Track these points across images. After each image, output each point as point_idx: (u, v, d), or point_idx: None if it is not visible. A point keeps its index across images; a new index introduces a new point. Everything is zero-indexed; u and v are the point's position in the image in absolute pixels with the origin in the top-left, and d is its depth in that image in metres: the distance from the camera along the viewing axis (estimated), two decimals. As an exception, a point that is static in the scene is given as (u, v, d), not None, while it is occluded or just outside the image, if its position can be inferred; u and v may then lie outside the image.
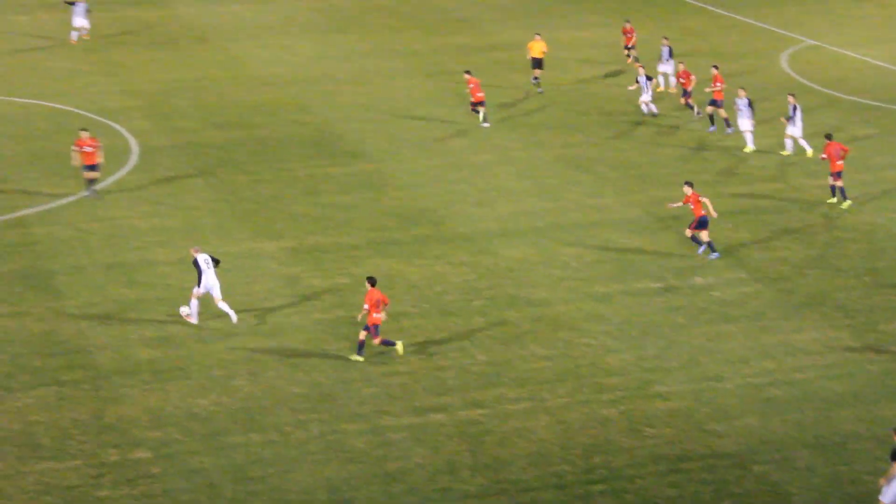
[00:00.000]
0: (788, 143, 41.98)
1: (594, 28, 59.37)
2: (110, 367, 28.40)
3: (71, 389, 27.47)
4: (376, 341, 28.86)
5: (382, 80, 50.70)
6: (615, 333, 30.29)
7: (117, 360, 28.70)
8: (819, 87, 49.85)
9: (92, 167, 37.44)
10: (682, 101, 45.97)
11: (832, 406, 27.22)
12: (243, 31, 58.42)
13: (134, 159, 41.46)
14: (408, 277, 33.10)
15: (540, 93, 48.86)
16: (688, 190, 34.37)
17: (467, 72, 46.10)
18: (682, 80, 45.91)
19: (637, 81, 45.62)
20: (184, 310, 30.37)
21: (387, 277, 32.96)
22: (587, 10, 63.25)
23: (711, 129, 44.53)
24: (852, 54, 54.86)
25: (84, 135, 37.66)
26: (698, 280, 33.09)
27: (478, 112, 45.13)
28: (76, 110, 46.17)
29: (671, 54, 48.97)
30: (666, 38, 49.69)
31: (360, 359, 28.78)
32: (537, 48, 49.26)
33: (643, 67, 46.09)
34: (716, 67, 45.33)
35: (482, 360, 29.02)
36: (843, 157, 37.80)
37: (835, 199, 38.06)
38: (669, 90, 48.44)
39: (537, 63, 49.21)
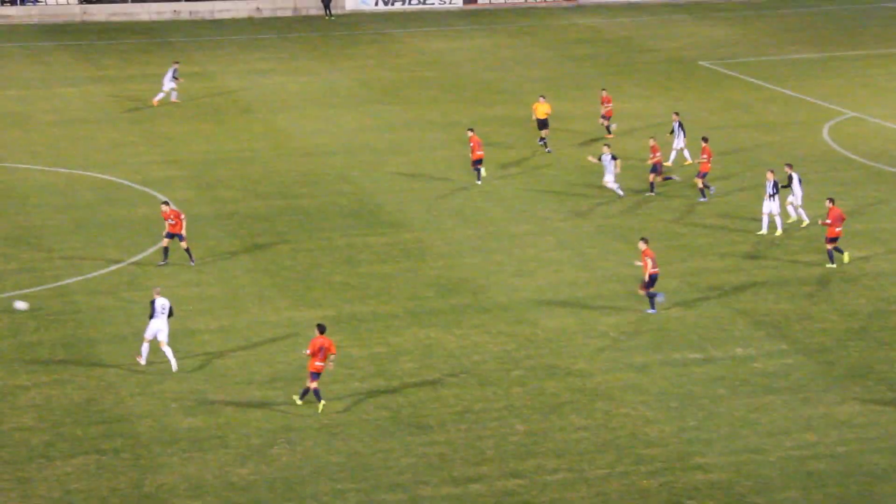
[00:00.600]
0: (790, 210, 41.68)
1: (636, 100, 59.60)
2: (150, 436, 28.50)
3: (111, 458, 27.57)
4: (312, 385, 29.37)
5: (423, 151, 51.04)
6: (654, 404, 30.13)
7: (157, 429, 28.80)
8: (861, 159, 49.74)
9: (175, 236, 37.85)
10: (697, 180, 44.90)
11: (876, 480, 26.90)
12: (287, 103, 59.03)
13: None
14: (446, 346, 33.11)
15: (548, 152, 49.91)
16: (642, 246, 35.01)
17: (470, 129, 47.10)
18: (703, 158, 44.69)
19: (600, 159, 44.47)
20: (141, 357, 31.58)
21: (425, 346, 32.99)
22: (629, 82, 63.55)
23: (702, 199, 44.30)
24: (894, 126, 54.74)
25: (165, 208, 38.07)
26: (739, 351, 32.93)
27: (478, 170, 46.19)
28: (121, 180, 46.71)
29: (682, 128, 48.28)
30: (677, 114, 49.48)
31: (300, 402, 29.62)
32: (541, 110, 50.64)
33: (608, 146, 45.13)
34: (705, 140, 44.97)
35: (521, 429, 28.92)
36: (841, 224, 37.88)
37: (834, 265, 37.98)
38: (693, 161, 47.71)
39: (542, 124, 50.58)
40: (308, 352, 29.34)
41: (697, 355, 32.71)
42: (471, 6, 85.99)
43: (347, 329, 34.14)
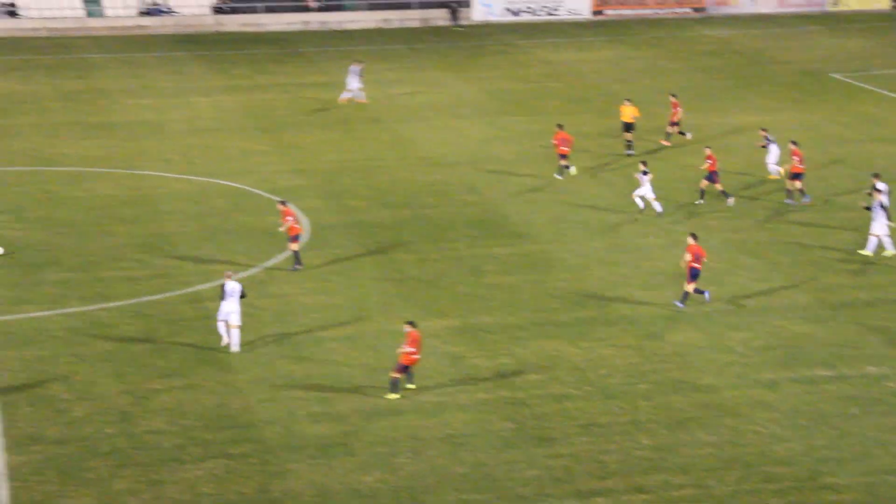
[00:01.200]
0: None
1: (764, 112, 58.80)
2: (277, 442, 28.84)
3: (239, 463, 27.96)
4: (396, 375, 30.55)
5: (549, 162, 50.93)
6: (783, 422, 29.65)
7: (284, 435, 29.14)
8: None
9: (296, 237, 38.93)
10: (795, 184, 44.73)
11: None
12: (414, 113, 59.39)
13: (305, 237, 42.32)
14: (571, 359, 32.98)
15: (630, 154, 50.53)
16: (690, 240, 36.15)
17: (559, 125, 48.94)
18: (795, 160, 44.53)
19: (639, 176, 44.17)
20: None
21: (550, 358, 32.90)
22: (757, 94, 62.73)
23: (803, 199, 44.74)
24: None
25: (281, 207, 39.33)
26: (871, 369, 32.27)
27: (562, 167, 48.24)
28: (251, 189, 47.41)
29: (773, 142, 47.81)
30: (764, 130, 48.80)
31: (397, 396, 30.59)
32: (628, 112, 51.33)
33: (643, 166, 44.29)
34: (794, 143, 45.28)
35: (646, 444, 28.67)
36: None
37: None
38: (782, 173, 47.02)
39: (627, 127, 51.40)
40: (407, 347, 30.36)
41: (828, 373, 32.12)
42: (599, 17, 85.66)
43: (472, 340, 34.19)
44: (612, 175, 49.15)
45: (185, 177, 49.39)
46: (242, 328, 34.24)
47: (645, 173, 43.93)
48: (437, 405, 30.50)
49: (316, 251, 40.94)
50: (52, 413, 30.04)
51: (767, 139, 48.03)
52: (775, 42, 76.65)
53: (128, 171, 50.00)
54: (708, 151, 45.20)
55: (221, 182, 48.33)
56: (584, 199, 46.13)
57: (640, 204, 44.03)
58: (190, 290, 37.69)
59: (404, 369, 30.75)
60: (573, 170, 48.51)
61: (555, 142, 48.44)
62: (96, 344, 33.86)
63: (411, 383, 31.14)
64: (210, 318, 35.55)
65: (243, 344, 33.74)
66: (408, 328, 30.77)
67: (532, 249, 41.15)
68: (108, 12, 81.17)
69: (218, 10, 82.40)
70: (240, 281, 35.85)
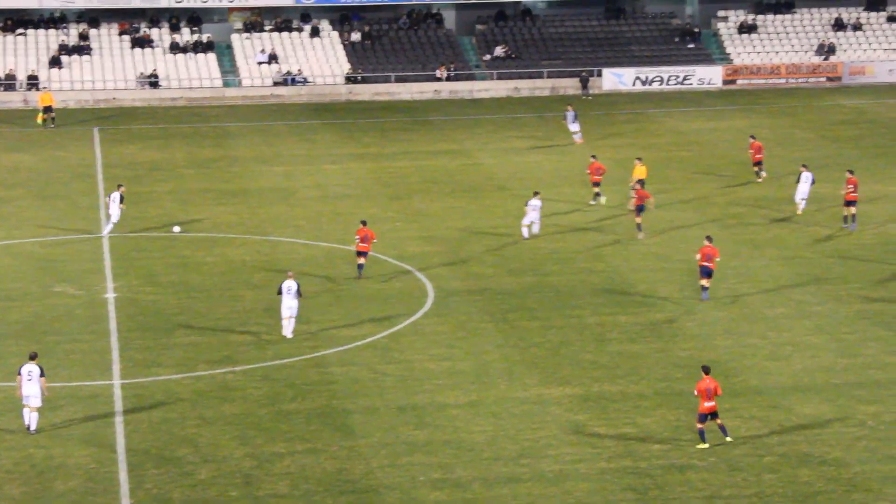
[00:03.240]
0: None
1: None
2: (397, 507, 28.87)
3: (358, 526, 28.02)
4: (698, 426, 31.50)
5: (677, 230, 50.59)
6: (915, 498, 28.85)
7: (404, 501, 29.15)
8: None
9: (363, 254, 44.34)
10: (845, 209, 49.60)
11: None
12: (542, 180, 59.46)
13: (429, 303, 42.55)
14: (695, 430, 32.47)
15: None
16: (705, 242, 41.93)
17: (593, 156, 55.07)
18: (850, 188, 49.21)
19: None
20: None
21: (674, 428, 32.50)
22: (895, 164, 61.64)
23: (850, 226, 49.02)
24: None
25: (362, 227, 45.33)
26: None
27: (598, 195, 53.54)
28: (378, 255, 47.86)
29: (807, 178, 52.09)
30: (804, 166, 51.78)
31: (705, 445, 31.37)
32: (638, 172, 54.04)
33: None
34: (850, 172, 49.09)
35: (771, 518, 28.09)
36: None
37: None
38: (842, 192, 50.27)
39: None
40: (696, 393, 31.49)
41: (962, 449, 31.19)
42: (730, 87, 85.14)
43: (595, 408, 33.94)
44: (738, 244, 48.58)
45: (314, 243, 50.07)
46: (367, 394, 34.42)
47: (535, 200, 49.44)
48: (559, 473, 30.29)
49: (441, 317, 41.12)
50: (178, 475, 30.50)
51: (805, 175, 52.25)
52: (911, 111, 75.36)
53: (259, 237, 50.90)
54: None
55: (350, 248, 48.89)
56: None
57: (525, 233, 49.32)
58: (316, 354, 38.09)
59: (703, 418, 31.35)
60: (603, 199, 53.51)
61: (588, 171, 52.08)
62: (222, 407, 34.36)
63: (727, 436, 31.62)
64: (334, 382, 35.90)
65: (367, 409, 33.94)
66: (703, 375, 31.50)
67: (657, 317, 40.82)
68: (245, 82, 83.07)
69: (350, 80, 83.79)
70: (364, 347, 36.10)
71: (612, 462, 30.87)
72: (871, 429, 32.45)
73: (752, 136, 60.32)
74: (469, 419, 33.27)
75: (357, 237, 45.24)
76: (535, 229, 49.53)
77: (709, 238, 42.10)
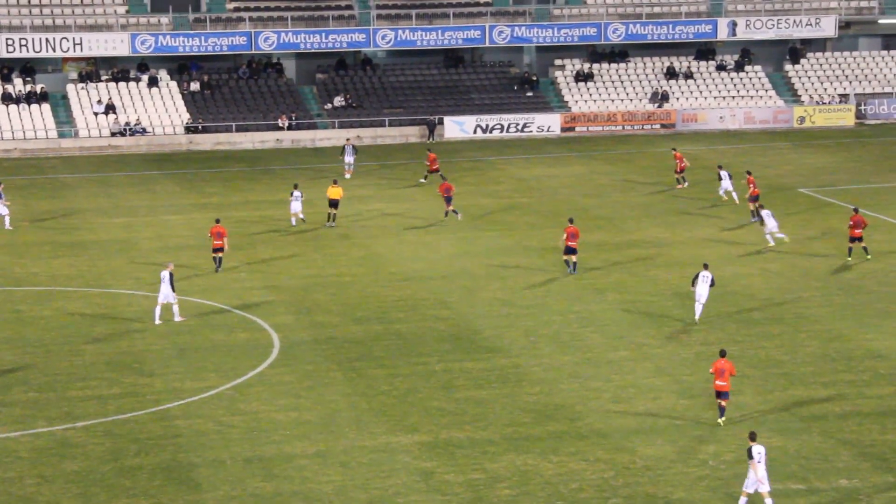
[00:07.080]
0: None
1: (740, 227, 59.18)
2: (245, 561, 28.43)
3: (206, 582, 27.50)
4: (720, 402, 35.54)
5: (521, 276, 51.15)
6: (756, 535, 29.45)
7: (252, 554, 28.74)
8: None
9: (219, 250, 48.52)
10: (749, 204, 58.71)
11: None
12: (385, 229, 59.68)
13: (275, 353, 42.21)
14: (542, 474, 32.78)
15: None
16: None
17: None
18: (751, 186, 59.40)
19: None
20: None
21: (522, 473, 32.71)
22: (729, 209, 63.19)
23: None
24: None
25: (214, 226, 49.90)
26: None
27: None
28: (222, 305, 47.32)
29: (727, 176, 60.89)
30: (720, 167, 53.90)
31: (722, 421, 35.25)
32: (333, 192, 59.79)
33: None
34: (748, 173, 58.35)
35: (618, 560, 28.40)
36: None
37: None
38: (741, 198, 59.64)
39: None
40: (711, 371, 35.70)
41: (800, 486, 31.99)
42: (568, 133, 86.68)
43: (444, 455, 33.99)
44: (582, 289, 49.33)
45: (154, 294, 49.23)
46: (213, 447, 33.93)
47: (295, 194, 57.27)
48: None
49: (287, 367, 40.80)
50: (17, 534, 29.63)
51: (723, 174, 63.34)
52: (743, 157, 77.58)
53: (98, 290, 49.93)
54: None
55: (193, 299, 48.27)
56: (554, 314, 46.22)
57: (293, 221, 57.59)
58: (159, 408, 37.42)
59: (720, 395, 35.38)
60: (459, 216, 59.17)
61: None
62: (63, 464, 33.49)
63: (721, 417, 35.31)
64: (179, 436, 35.30)
65: (213, 462, 33.45)
66: (719, 357, 35.73)
67: (503, 363, 41.12)
68: (82, 133, 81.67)
69: (190, 129, 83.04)
70: (208, 399, 35.66)
71: (462, 508, 30.91)
72: (712, 468, 33.10)
73: (674, 149, 70.71)
74: (317, 469, 33.01)
75: (209, 234, 52.13)
76: (302, 216, 58.51)
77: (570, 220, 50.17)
